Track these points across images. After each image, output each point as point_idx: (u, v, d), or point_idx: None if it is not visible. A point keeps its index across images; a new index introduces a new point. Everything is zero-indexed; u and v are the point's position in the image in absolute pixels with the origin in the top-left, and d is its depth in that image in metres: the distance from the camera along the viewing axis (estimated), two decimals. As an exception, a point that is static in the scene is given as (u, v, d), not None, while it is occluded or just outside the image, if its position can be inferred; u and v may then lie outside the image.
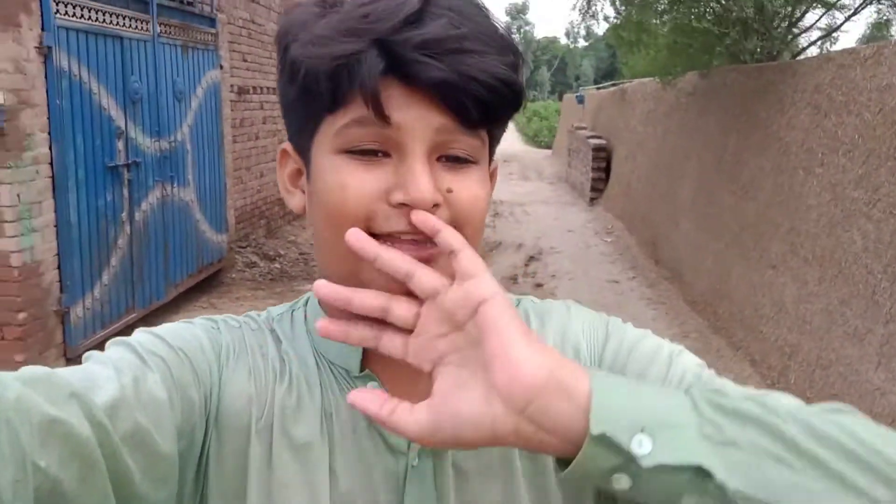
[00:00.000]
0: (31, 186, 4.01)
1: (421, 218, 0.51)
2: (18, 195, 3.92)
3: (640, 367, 0.60)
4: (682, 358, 0.61)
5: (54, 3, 4.09)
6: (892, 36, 6.71)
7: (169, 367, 0.54)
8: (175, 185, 5.66)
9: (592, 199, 11.93)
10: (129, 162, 4.95)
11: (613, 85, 14.85)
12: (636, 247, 8.72)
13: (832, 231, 3.96)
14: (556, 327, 0.66)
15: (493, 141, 0.59)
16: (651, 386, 0.50)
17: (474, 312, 0.47)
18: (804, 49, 6.98)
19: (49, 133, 4.12)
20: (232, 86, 7.03)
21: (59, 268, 4.29)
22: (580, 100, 16.74)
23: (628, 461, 0.44)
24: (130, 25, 4.93)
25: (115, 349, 0.55)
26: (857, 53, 3.96)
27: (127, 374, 0.51)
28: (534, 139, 29.21)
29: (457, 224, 0.53)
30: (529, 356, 0.46)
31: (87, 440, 0.44)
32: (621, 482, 0.44)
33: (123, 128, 4.87)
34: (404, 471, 0.58)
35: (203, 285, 6.27)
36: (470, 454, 0.60)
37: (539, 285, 6.96)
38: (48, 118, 4.10)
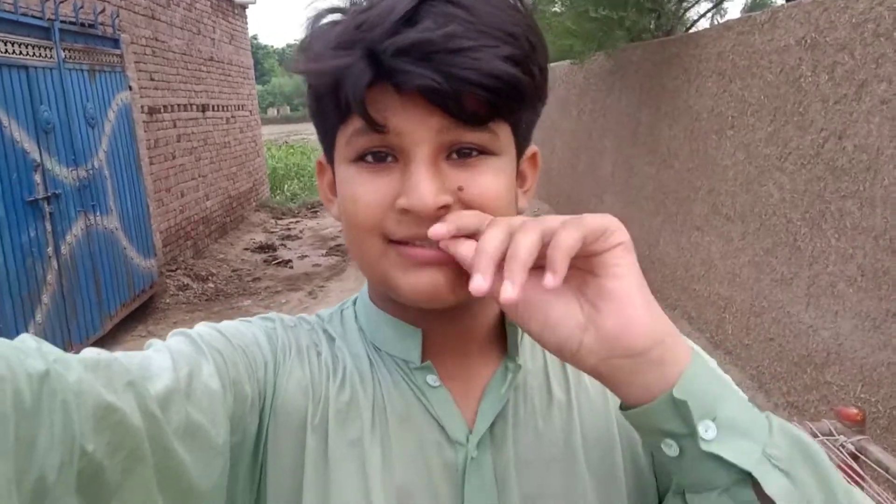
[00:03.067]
0: (-51, 230, 3.82)
1: (433, 232, 0.50)
2: (-63, 240, 3.72)
3: None
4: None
5: (-46, 36, 3.90)
6: (770, 4, 7.16)
7: (225, 360, 0.54)
8: (98, 213, 5.47)
9: (514, 185, 12.13)
10: (49, 194, 4.76)
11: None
12: (563, 226, 8.97)
13: (749, 188, 4.23)
14: None
15: (517, 129, 0.56)
16: (741, 395, 0.51)
17: (611, 247, 0.47)
18: (695, 22, 7.36)
19: (-37, 172, 3.93)
20: (143, 106, 6.84)
21: (-12, 312, 4.10)
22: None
23: (689, 435, 0.46)
24: (34, 53, 4.73)
25: (176, 339, 0.55)
26: (753, 20, 4.23)
27: (183, 365, 0.51)
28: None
29: None
30: (644, 318, 0.46)
31: (137, 431, 0.43)
32: (671, 449, 0.47)
33: (39, 160, 4.67)
34: (463, 462, 0.58)
35: (138, 314, 6.09)
36: (532, 445, 0.60)
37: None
38: (-40, 156, 3.91)
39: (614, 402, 0.58)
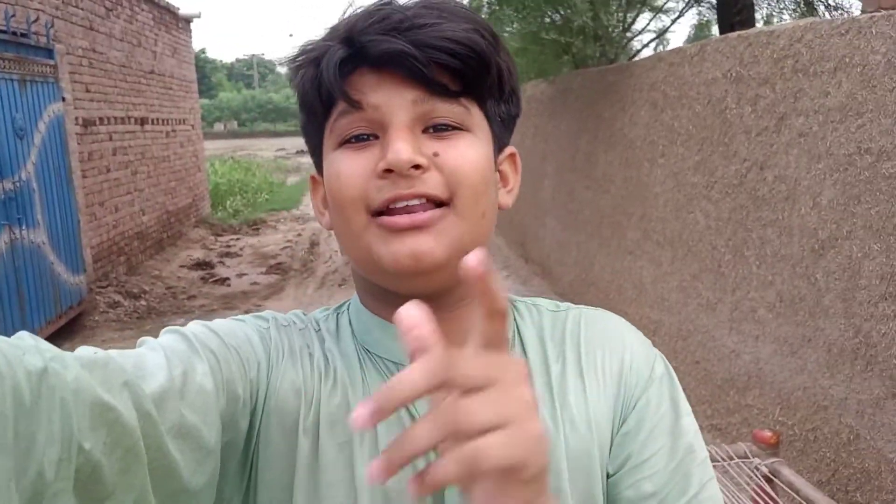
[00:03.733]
0: None
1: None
2: None
3: (659, 447, 0.60)
4: (709, 485, 0.60)
5: None
6: (712, 35, 7.45)
7: (218, 360, 0.55)
8: (24, 227, 5.29)
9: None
10: (-30, 206, 4.58)
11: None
12: (507, 247, 9.07)
13: (678, 214, 4.35)
14: (609, 329, 0.66)
15: (491, 118, 0.60)
16: None
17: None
18: (639, 51, 7.60)
19: None
20: (77, 118, 6.65)
21: None
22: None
23: None
24: (-42, 60, 4.57)
25: (169, 336, 0.55)
26: (684, 52, 4.38)
27: (177, 364, 0.51)
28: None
29: (451, 186, 0.56)
30: None
31: (133, 430, 0.44)
32: None
33: (-41, 170, 4.50)
34: None
35: (64, 332, 5.88)
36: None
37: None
38: None
39: (598, 433, 0.60)
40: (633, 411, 0.61)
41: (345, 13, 0.58)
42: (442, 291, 0.59)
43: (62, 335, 5.82)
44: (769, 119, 3.41)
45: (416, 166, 0.54)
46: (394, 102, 0.55)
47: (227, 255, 9.65)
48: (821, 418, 2.98)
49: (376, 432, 0.58)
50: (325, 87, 0.55)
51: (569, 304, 0.69)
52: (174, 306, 6.94)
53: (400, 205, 0.55)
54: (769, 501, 2.05)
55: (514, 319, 0.65)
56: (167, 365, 0.50)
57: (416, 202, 0.55)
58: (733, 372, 3.67)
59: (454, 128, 0.57)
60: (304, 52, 0.59)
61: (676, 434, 0.60)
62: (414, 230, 0.54)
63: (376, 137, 0.56)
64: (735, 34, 3.80)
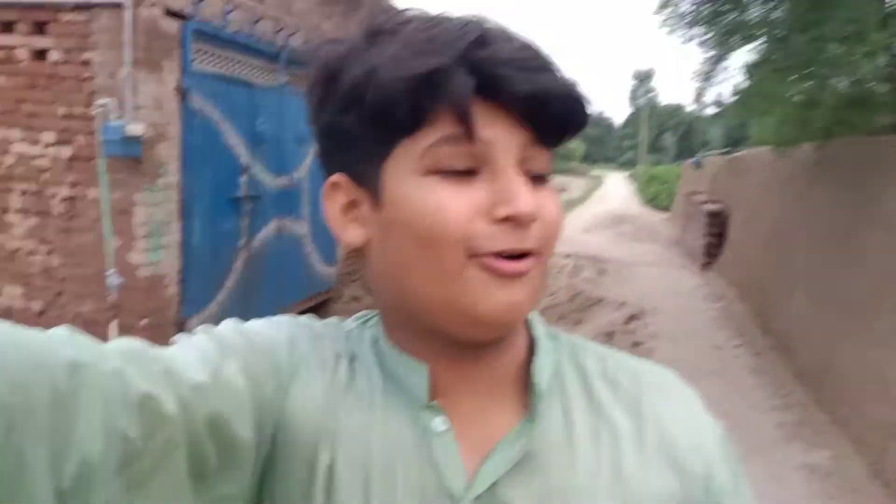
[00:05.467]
0: (161, 209, 4.53)
1: None
2: (151, 216, 4.43)
3: None
4: None
5: (193, 52, 4.66)
6: None
7: (246, 361, 0.54)
8: (291, 218, 6.12)
9: (705, 264, 11.58)
10: (251, 195, 5.43)
11: (733, 152, 14.39)
12: (745, 314, 8.38)
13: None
14: (674, 398, 0.61)
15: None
16: None
17: None
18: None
19: (181, 164, 4.65)
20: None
21: (180, 283, 4.76)
22: (696, 164, 16.37)
23: None
24: (260, 75, 5.47)
25: (202, 336, 0.55)
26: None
27: (211, 360, 0.51)
28: (651, 202, 28.72)
29: (545, 240, 0.53)
30: None
31: (173, 419, 0.45)
32: None
33: (247, 164, 5.37)
34: None
35: (310, 313, 6.63)
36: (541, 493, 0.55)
37: (637, 343, 6.79)
38: (181, 151, 4.63)
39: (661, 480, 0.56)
40: None
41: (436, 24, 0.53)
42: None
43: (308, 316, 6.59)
44: None
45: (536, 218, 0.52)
46: (507, 142, 0.51)
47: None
48: None
49: (395, 464, 0.55)
50: (428, 106, 0.50)
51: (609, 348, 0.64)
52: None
53: (506, 255, 0.51)
54: None
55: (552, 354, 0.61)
56: (202, 360, 0.51)
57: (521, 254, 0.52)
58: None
59: (543, 177, 0.54)
60: (393, 58, 0.51)
61: None
62: (519, 280, 0.52)
63: (474, 173, 0.52)
64: None
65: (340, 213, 0.57)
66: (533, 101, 0.50)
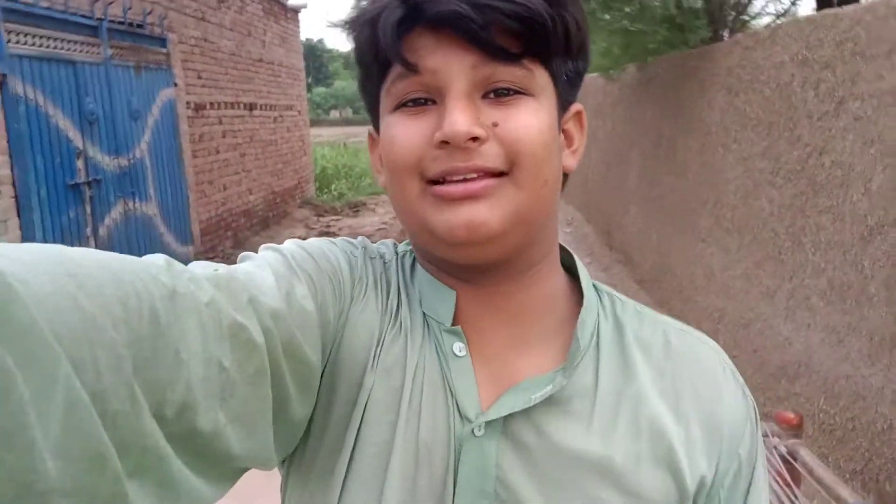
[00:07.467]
0: (-6, 206, 4.23)
1: None
2: (-18, 215, 4.14)
3: None
4: None
5: (6, 33, 4.33)
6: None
7: (314, 283, 0.55)
8: (137, 200, 5.88)
9: (552, 193, 12.22)
10: (90, 180, 5.17)
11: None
12: (593, 235, 9.06)
13: (746, 201, 4.30)
14: (703, 364, 0.62)
15: (557, 76, 0.56)
16: None
17: None
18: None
19: (9, 155, 4.35)
20: (188, 102, 7.26)
21: (26, 283, 4.50)
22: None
23: None
24: (82, 50, 5.15)
25: (270, 254, 0.55)
26: (757, 35, 4.30)
27: (283, 283, 0.51)
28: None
29: (510, 157, 0.53)
30: None
31: (261, 346, 0.46)
32: None
33: (82, 147, 5.09)
34: (468, 437, 0.55)
35: (171, 296, 6.48)
36: (552, 461, 0.56)
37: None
38: (7, 141, 4.32)
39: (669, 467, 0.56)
40: (722, 489, 0.59)
41: None
42: (503, 261, 0.57)
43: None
44: (829, 103, 3.34)
45: (474, 138, 0.51)
46: (452, 67, 0.52)
47: (326, 233, 10.19)
48: (859, 407, 2.93)
49: (423, 384, 0.57)
50: (382, 48, 0.52)
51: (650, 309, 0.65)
52: (270, 279, 7.45)
53: (456, 177, 0.52)
54: (783, 482, 2.09)
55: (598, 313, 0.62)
56: (276, 283, 0.51)
57: (472, 175, 0.52)
58: (786, 360, 3.63)
59: (516, 92, 0.53)
60: (360, 11, 0.56)
61: None
62: (469, 200, 0.52)
63: (434, 102, 0.53)
64: (805, 16, 3.72)
65: (378, 162, 0.62)
66: (462, 21, 0.50)
